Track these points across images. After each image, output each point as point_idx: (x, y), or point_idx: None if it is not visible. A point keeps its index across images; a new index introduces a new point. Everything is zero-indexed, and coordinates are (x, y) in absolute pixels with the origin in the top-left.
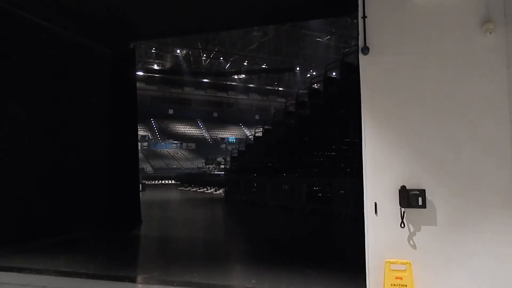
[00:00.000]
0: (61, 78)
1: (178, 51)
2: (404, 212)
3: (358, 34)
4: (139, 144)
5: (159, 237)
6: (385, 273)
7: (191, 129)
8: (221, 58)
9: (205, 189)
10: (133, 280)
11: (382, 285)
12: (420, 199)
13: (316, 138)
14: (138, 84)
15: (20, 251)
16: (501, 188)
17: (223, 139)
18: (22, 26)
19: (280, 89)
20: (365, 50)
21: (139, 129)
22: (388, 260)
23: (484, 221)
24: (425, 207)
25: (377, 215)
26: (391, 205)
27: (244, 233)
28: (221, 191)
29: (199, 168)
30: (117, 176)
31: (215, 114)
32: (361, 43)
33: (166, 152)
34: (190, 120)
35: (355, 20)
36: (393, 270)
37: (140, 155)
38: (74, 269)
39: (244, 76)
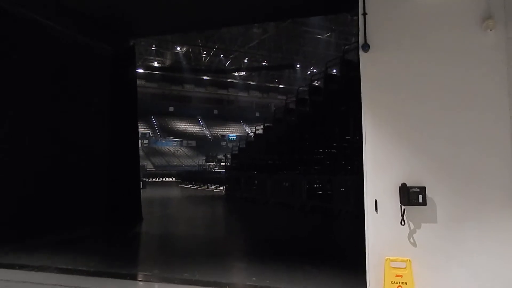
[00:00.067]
0: (61, 77)
1: (178, 48)
2: (404, 209)
3: (358, 31)
4: (140, 141)
5: (159, 235)
6: (385, 271)
7: (192, 126)
8: (221, 55)
9: (206, 186)
10: (134, 277)
11: (382, 283)
12: (420, 196)
13: (316, 135)
14: (138, 82)
15: (21, 249)
16: (501, 186)
17: (223, 136)
18: (22, 25)
19: (281, 86)
20: (366, 47)
21: (139, 127)
22: (388, 257)
23: (484, 218)
24: (425, 205)
25: (377, 213)
26: (391, 203)
27: (245, 230)
28: (221, 188)
29: (200, 165)
30: (117, 174)
31: (216, 112)
32: (361, 40)
33: (166, 149)
34: (190, 117)
35: (355, 17)
36: (393, 267)
37: (141, 152)
38: (75, 266)
39: (244, 73)
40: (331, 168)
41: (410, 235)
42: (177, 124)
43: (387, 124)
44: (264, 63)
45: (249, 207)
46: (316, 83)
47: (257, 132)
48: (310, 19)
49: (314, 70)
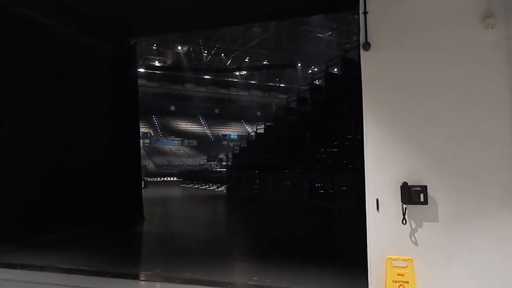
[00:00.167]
0: (61, 77)
1: (179, 47)
2: (405, 208)
3: (359, 30)
4: (141, 141)
5: (161, 234)
6: (386, 270)
7: (193, 125)
8: (222, 55)
9: (207, 186)
10: (135, 277)
11: (383, 282)
12: (421, 195)
13: (317, 134)
14: (139, 81)
15: (22, 248)
16: (502, 184)
17: (224, 135)
18: (22, 25)
19: (282, 85)
20: (366, 46)
21: (140, 126)
22: (389, 256)
23: (486, 217)
24: (426, 204)
25: (378, 212)
26: (392, 202)
27: (246, 229)
28: (223, 188)
29: (201, 165)
30: (119, 173)
31: (217, 111)
32: (362, 39)
33: (168, 149)
34: (191, 116)
35: (356, 16)
36: (394, 266)
37: (142, 152)
38: (76, 266)
39: (245, 72)
40: (332, 167)
41: (412, 234)
42: (178, 123)
43: (388, 123)
44: (265, 62)
45: (251, 206)
46: (317, 82)
47: (258, 131)
48: (310, 18)
49: (315, 69)
